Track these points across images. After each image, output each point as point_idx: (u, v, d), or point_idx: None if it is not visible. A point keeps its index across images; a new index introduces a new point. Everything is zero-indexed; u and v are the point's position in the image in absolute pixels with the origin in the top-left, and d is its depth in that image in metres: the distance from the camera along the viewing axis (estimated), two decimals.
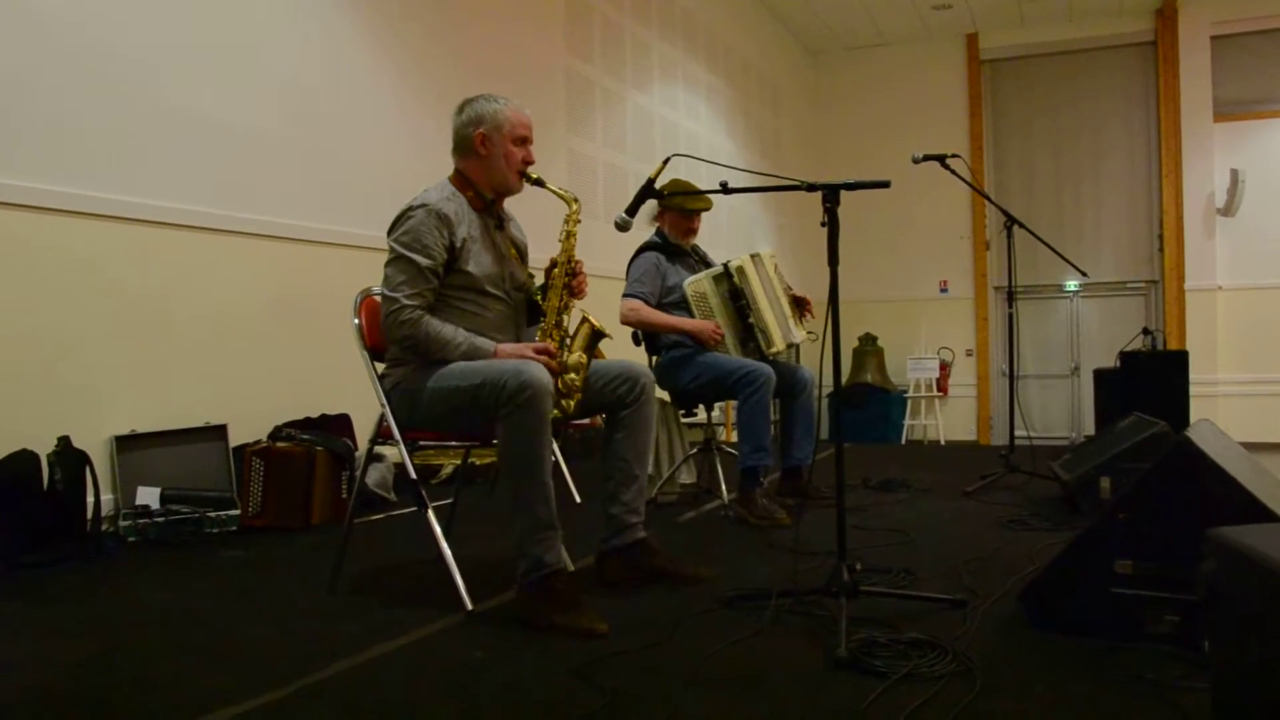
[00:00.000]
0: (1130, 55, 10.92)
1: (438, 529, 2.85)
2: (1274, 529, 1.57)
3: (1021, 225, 5.07)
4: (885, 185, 2.73)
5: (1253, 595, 1.47)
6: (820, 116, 11.92)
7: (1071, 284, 11.01)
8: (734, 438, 4.45)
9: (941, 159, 4.53)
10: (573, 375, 2.90)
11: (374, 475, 4.51)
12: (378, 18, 5.17)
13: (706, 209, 4.58)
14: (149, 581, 3.20)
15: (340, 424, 4.66)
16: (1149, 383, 5.87)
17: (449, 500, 3.61)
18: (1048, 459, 4.90)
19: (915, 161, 4.52)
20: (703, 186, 4.40)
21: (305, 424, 4.47)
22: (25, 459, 3.41)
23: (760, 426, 4.21)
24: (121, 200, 3.89)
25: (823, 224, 2.70)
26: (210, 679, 2.25)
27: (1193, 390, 6.07)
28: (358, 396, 4.31)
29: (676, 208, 4.48)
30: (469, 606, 2.73)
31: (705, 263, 4.68)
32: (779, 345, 4.34)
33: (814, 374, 4.44)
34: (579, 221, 3.04)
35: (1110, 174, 11.01)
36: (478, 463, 5.02)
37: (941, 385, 11.17)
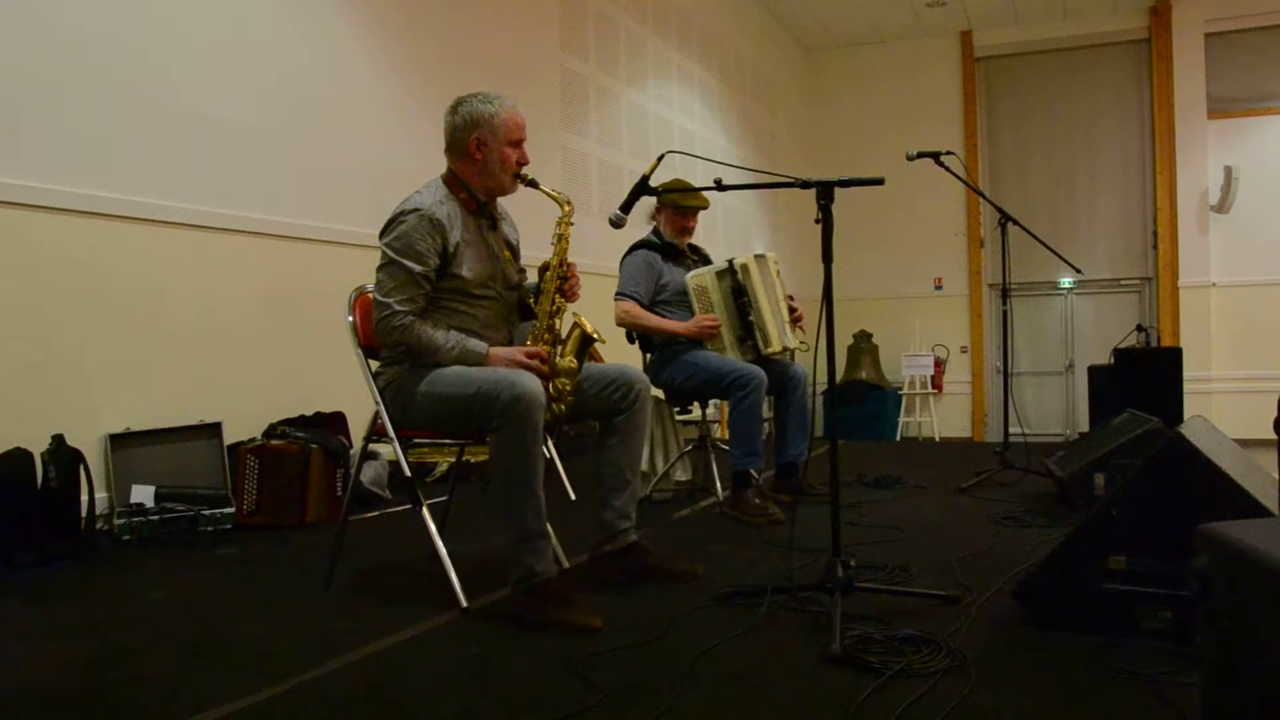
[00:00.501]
0: (1124, 52, 10.93)
1: (432, 526, 2.85)
2: (1266, 524, 1.58)
3: (1016, 222, 5.08)
4: (879, 183, 2.73)
5: (1245, 590, 1.47)
6: (815, 113, 11.92)
7: (1065, 281, 11.02)
8: (728, 436, 4.45)
9: (936, 156, 4.54)
10: (564, 380, 2.90)
11: (368, 473, 4.50)
12: (372, 14, 5.16)
13: (703, 207, 4.57)
14: (144, 580, 3.20)
15: (335, 422, 4.66)
16: (1143, 379, 5.88)
17: (444, 498, 3.61)
18: (1042, 455, 4.91)
19: (910, 159, 4.53)
20: (697, 184, 4.38)
21: (300, 422, 4.46)
22: (19, 457, 3.40)
23: (752, 429, 4.21)
24: (116, 198, 3.88)
25: (817, 221, 2.71)
26: (205, 676, 2.25)
27: (1186, 387, 6.09)
28: (352, 394, 4.30)
29: (671, 204, 4.48)
30: (464, 604, 2.73)
31: (705, 261, 4.68)
32: (776, 346, 4.35)
33: (807, 370, 4.45)
34: (571, 224, 3.03)
35: (1104, 171, 11.02)
36: (472, 460, 5.01)
37: (936, 382, 11.18)
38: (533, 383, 2.63)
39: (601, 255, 5.93)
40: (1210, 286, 10.36)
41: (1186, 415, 5.04)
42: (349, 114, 5.04)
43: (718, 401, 4.84)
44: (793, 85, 11.49)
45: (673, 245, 4.56)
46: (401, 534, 3.89)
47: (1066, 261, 5.43)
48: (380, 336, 2.85)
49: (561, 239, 3.00)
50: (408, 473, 2.90)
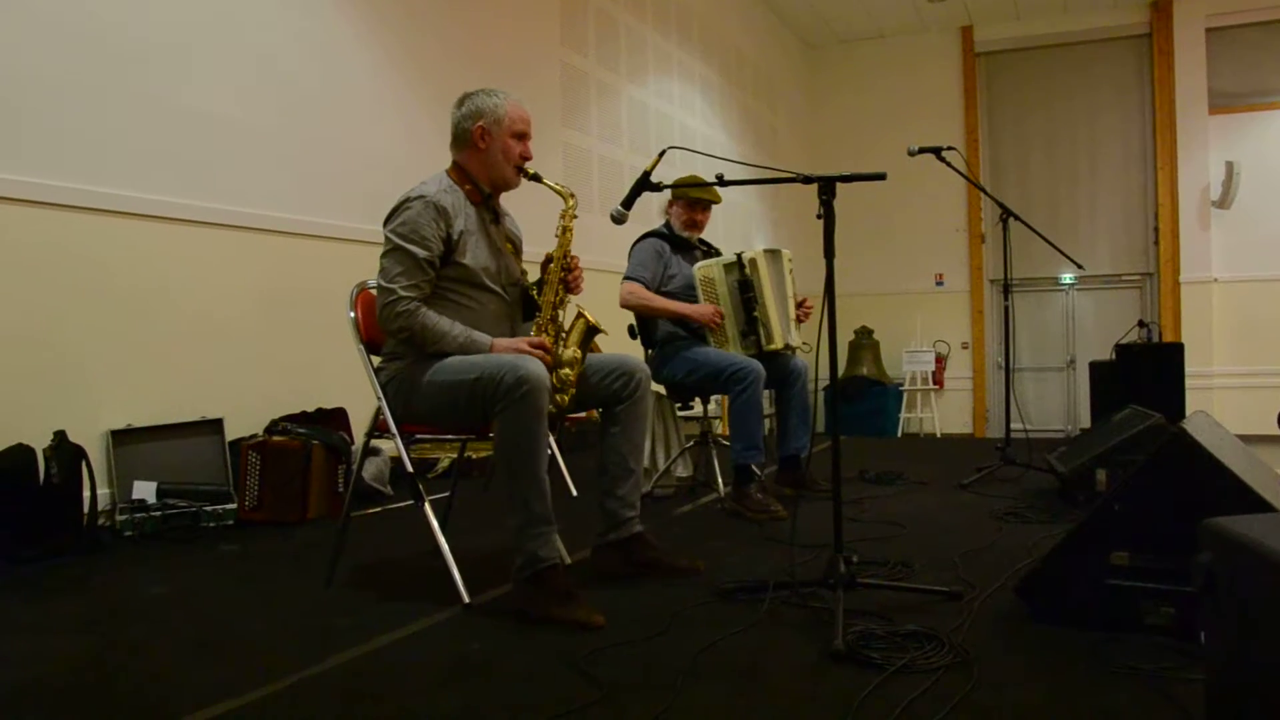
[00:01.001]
0: (1125, 48, 10.92)
1: (434, 522, 2.85)
2: (1271, 519, 1.58)
3: (1017, 218, 5.07)
4: (881, 178, 2.73)
5: (1249, 585, 1.47)
6: (815, 109, 11.91)
7: (1067, 277, 11.01)
8: (729, 432, 4.46)
9: (937, 151, 4.52)
10: (567, 370, 2.91)
11: (370, 469, 4.51)
12: (372, 10, 5.16)
13: (715, 201, 4.58)
14: (145, 576, 3.20)
15: (336, 418, 4.66)
16: (1145, 375, 5.89)
17: (445, 494, 3.61)
18: (1044, 451, 4.91)
19: (911, 154, 4.52)
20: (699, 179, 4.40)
21: (301, 418, 4.47)
22: (21, 453, 3.40)
23: (752, 424, 4.21)
24: (117, 194, 3.88)
25: (818, 216, 2.70)
26: (207, 672, 2.25)
27: (1188, 382, 6.09)
28: (354, 390, 4.31)
29: (682, 196, 4.49)
30: (466, 599, 2.73)
31: (712, 254, 4.67)
32: (778, 343, 4.34)
33: (808, 364, 4.45)
34: (575, 217, 3.04)
35: (1105, 167, 11.01)
36: (474, 456, 5.02)
37: (937, 378, 11.18)
38: (536, 366, 2.63)
39: (602, 251, 5.92)
40: (1212, 282, 10.36)
41: (1188, 411, 5.05)
42: (349, 110, 5.03)
43: (719, 397, 4.83)
44: (793, 81, 11.48)
45: (682, 238, 4.56)
46: (403, 530, 3.90)
47: (1068, 257, 5.43)
48: (384, 323, 2.84)
49: (565, 231, 3.01)
50: (410, 468, 2.89)
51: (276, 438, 4.17)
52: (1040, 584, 2.53)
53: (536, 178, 3.02)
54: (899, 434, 10.88)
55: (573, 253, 3.02)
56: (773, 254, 4.49)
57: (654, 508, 4.27)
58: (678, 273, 4.48)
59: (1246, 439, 3.10)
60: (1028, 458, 4.99)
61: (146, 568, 3.31)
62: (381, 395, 2.91)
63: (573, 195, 3.04)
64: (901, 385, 11.13)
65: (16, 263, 3.58)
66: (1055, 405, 11.17)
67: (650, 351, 4.56)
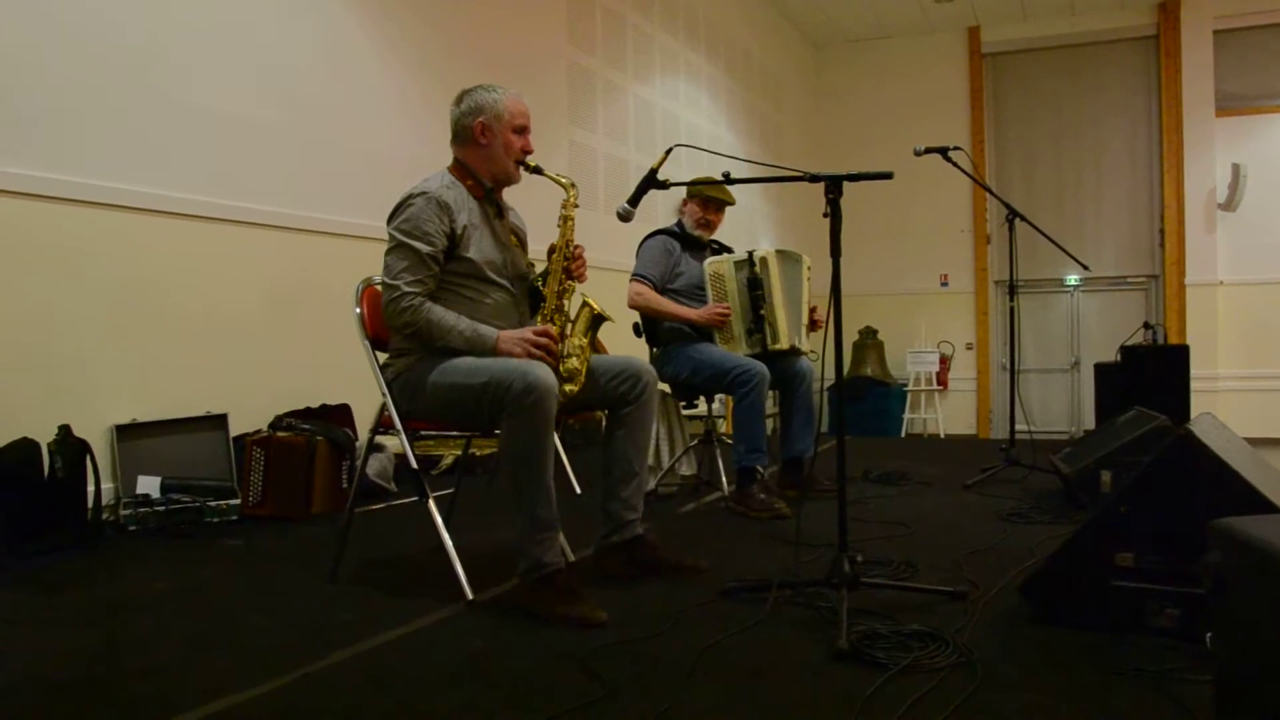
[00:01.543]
0: (1132, 49, 10.89)
1: (438, 518, 2.85)
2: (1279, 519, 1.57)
3: (1023, 219, 5.06)
4: (888, 176, 2.73)
5: (1259, 585, 1.47)
6: (822, 109, 11.90)
7: (1072, 278, 10.99)
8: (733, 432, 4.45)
9: (944, 152, 4.51)
10: (574, 360, 2.91)
11: (374, 465, 4.51)
12: (378, 7, 5.16)
13: (729, 202, 4.57)
14: (149, 570, 3.20)
15: (340, 414, 4.66)
16: (1150, 377, 5.88)
17: (449, 490, 3.61)
18: (1048, 453, 4.90)
19: (917, 154, 4.50)
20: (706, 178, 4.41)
21: (306, 414, 4.47)
22: (26, 448, 3.40)
23: (756, 426, 4.21)
24: (123, 189, 3.88)
25: (825, 215, 2.70)
26: (211, 667, 2.25)
27: (1193, 385, 6.08)
28: (358, 386, 4.31)
29: (697, 194, 4.49)
30: (469, 596, 2.73)
31: (725, 253, 4.66)
32: (784, 344, 4.34)
33: (813, 365, 4.44)
34: (577, 206, 3.04)
35: (1111, 168, 10.99)
36: (478, 453, 5.02)
37: (941, 379, 11.16)
38: (545, 373, 2.63)
39: (608, 249, 5.92)
40: (1218, 284, 10.33)
41: (1193, 413, 5.03)
42: (355, 107, 5.03)
43: (723, 396, 4.83)
44: (800, 81, 11.47)
45: (694, 237, 4.56)
46: (407, 526, 3.89)
47: (1073, 258, 5.42)
48: (389, 320, 2.85)
49: (567, 220, 3.02)
50: (414, 464, 2.90)
51: (281, 433, 4.17)
52: (1045, 584, 2.53)
53: (538, 170, 3.02)
54: (902, 434, 10.87)
55: (576, 242, 3.02)
56: (787, 256, 4.49)
57: (657, 506, 4.27)
58: (685, 271, 4.48)
59: (1252, 442, 3.09)
60: (1032, 459, 4.98)
61: (150, 563, 3.32)
62: (387, 391, 2.91)
63: (574, 185, 3.05)
64: (905, 386, 11.12)
65: (23, 257, 3.58)
66: (1060, 407, 11.16)
67: (655, 350, 4.56)
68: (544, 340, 2.81)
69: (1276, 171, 10.15)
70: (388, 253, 2.87)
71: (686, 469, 4.83)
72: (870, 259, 10.87)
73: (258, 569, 3.27)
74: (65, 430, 3.53)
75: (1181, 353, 6.19)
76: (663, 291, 4.44)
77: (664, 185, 2.96)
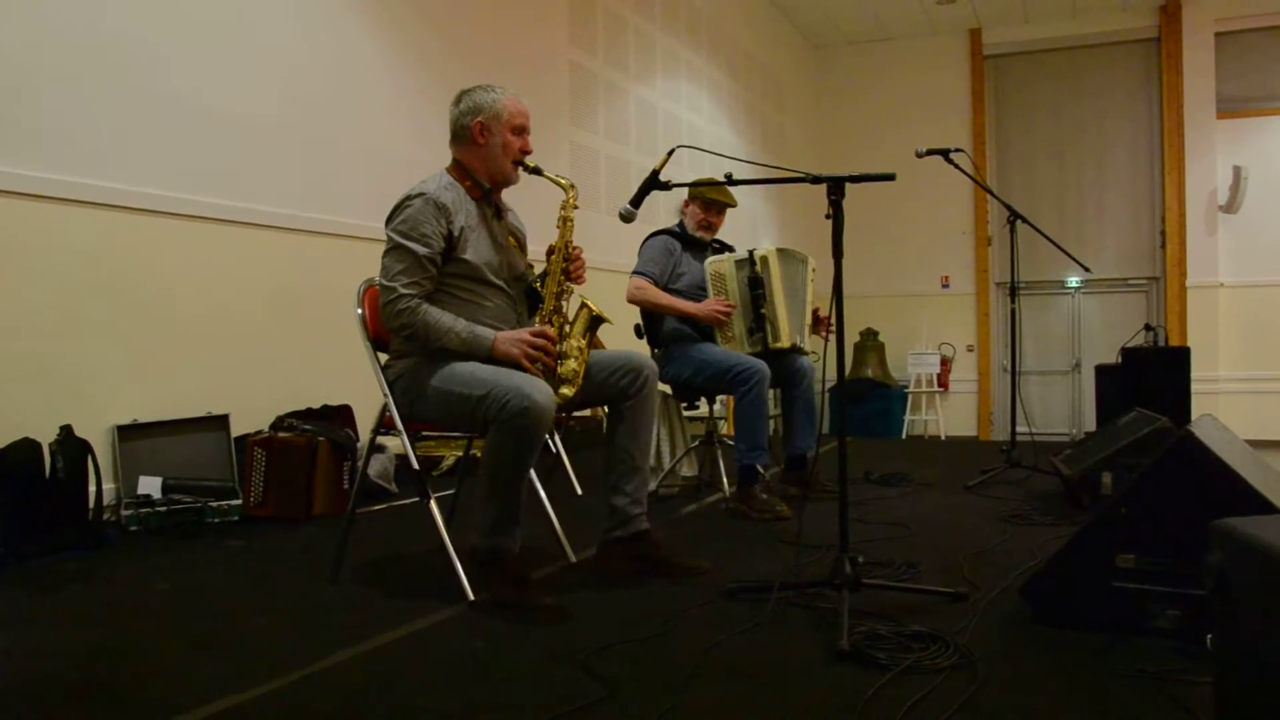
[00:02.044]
0: (1133, 51, 10.90)
1: (439, 519, 2.85)
2: None
3: (1025, 220, 5.06)
4: (891, 178, 2.73)
5: (1260, 587, 1.47)
6: (823, 111, 11.90)
7: (1073, 280, 10.99)
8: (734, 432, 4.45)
9: (945, 153, 4.52)
10: (572, 361, 2.91)
11: (375, 466, 4.51)
12: (381, 9, 5.16)
13: (730, 204, 4.58)
14: (151, 571, 3.20)
15: (342, 414, 4.66)
16: (1151, 379, 5.87)
17: (450, 491, 3.61)
18: (1049, 454, 4.90)
19: (919, 155, 4.51)
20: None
21: (307, 414, 4.47)
22: (27, 448, 3.41)
23: (757, 424, 4.20)
24: (126, 190, 3.88)
25: (827, 216, 2.70)
26: (212, 668, 2.25)
27: (1194, 387, 6.08)
28: (359, 387, 4.32)
29: (699, 196, 4.49)
30: (470, 597, 2.74)
31: (727, 252, 4.66)
32: (785, 342, 4.34)
33: (814, 363, 4.45)
34: (576, 207, 3.05)
35: (1113, 170, 10.99)
36: (479, 455, 5.01)
37: (942, 380, 11.16)
38: (544, 395, 2.64)
39: (609, 250, 5.92)
40: (1219, 286, 10.33)
41: (1194, 415, 5.03)
42: (358, 109, 5.04)
43: (724, 397, 4.83)
44: (801, 82, 11.47)
45: (695, 238, 4.56)
46: (408, 527, 3.90)
47: (1075, 260, 5.42)
48: (386, 321, 2.86)
49: (566, 221, 3.02)
50: (416, 465, 2.90)
51: (282, 434, 4.17)
52: (1046, 586, 2.53)
53: (537, 171, 3.03)
54: (903, 436, 10.87)
55: (574, 243, 3.02)
56: (789, 255, 4.48)
57: (659, 507, 4.27)
58: (687, 271, 4.48)
59: (1252, 444, 3.09)
60: (1033, 460, 4.98)
61: (151, 563, 3.32)
62: (388, 392, 2.91)
63: (573, 186, 3.06)
64: (906, 387, 11.11)
65: (25, 257, 3.59)
66: (1060, 408, 11.16)
67: (656, 350, 4.56)
68: (541, 341, 2.81)
69: (1278, 173, 10.15)
70: (385, 254, 2.87)
71: (688, 470, 4.83)
72: (871, 260, 10.87)
73: (259, 569, 3.27)
74: (67, 430, 3.53)
75: (1182, 354, 6.19)
76: (663, 291, 4.45)
77: (666, 186, 2.97)
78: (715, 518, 4.16)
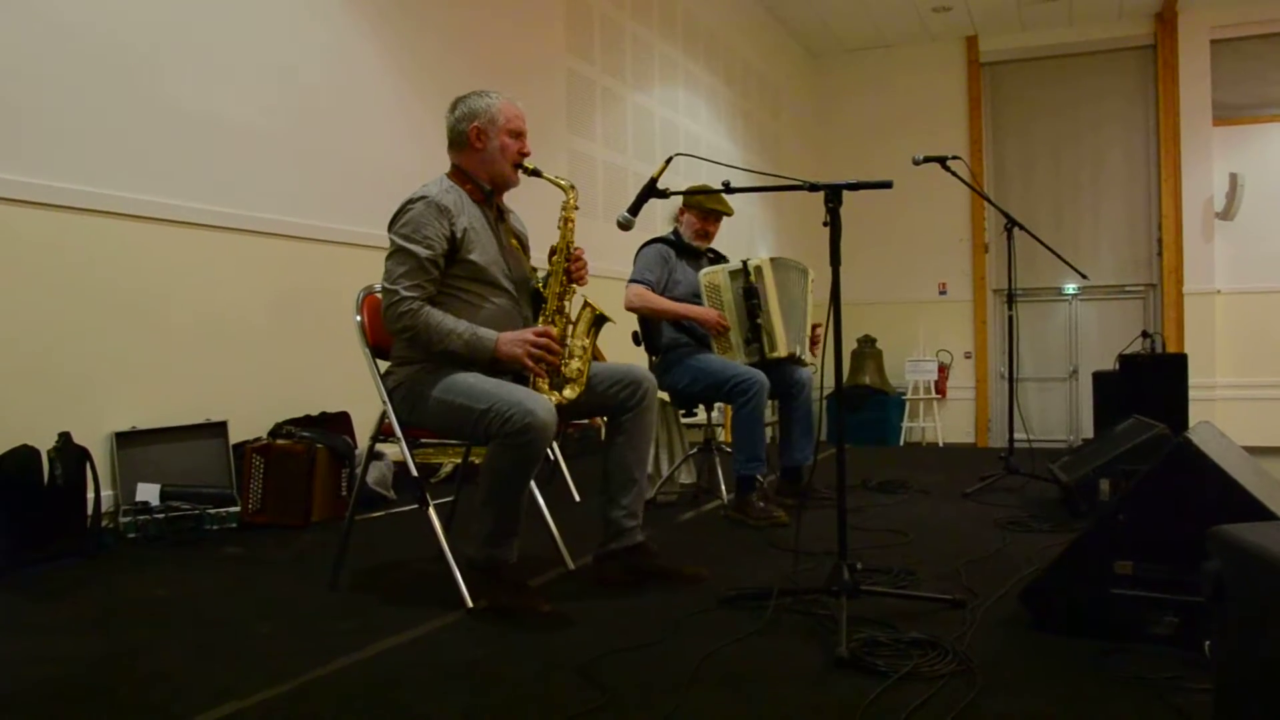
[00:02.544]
0: (1130, 59, 10.92)
1: (438, 526, 2.85)
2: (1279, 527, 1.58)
3: (1022, 227, 5.07)
4: (888, 186, 2.74)
5: (1258, 593, 1.47)
6: (820, 118, 11.92)
7: (1070, 287, 11.01)
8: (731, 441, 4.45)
9: (942, 161, 4.53)
10: (576, 361, 2.91)
11: (373, 473, 4.50)
12: (379, 14, 5.17)
13: (727, 213, 4.59)
14: (149, 578, 3.20)
15: (340, 421, 4.66)
16: (1148, 386, 5.88)
17: (449, 498, 3.61)
18: (1046, 461, 4.91)
19: (916, 163, 4.51)
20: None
21: (305, 421, 4.47)
22: (25, 455, 3.40)
23: (754, 435, 4.20)
24: (123, 197, 3.89)
25: (825, 224, 2.71)
26: (211, 675, 2.25)
27: (1191, 394, 6.09)
28: (357, 394, 4.32)
29: (696, 205, 4.50)
30: (469, 604, 2.74)
31: (720, 262, 4.66)
32: (781, 351, 4.34)
33: (812, 374, 4.45)
34: (577, 208, 3.05)
35: (1109, 177, 11.01)
36: (477, 462, 5.01)
37: (940, 388, 11.17)
38: (547, 411, 2.64)
39: (607, 257, 5.93)
40: (1215, 293, 10.35)
41: (1191, 422, 5.04)
42: (355, 115, 5.04)
43: (722, 405, 4.84)
44: (798, 90, 11.49)
45: (690, 246, 4.56)
46: (406, 534, 3.90)
47: (1072, 267, 5.43)
48: (389, 324, 2.86)
49: (567, 222, 3.03)
50: (415, 472, 2.90)
51: (280, 441, 4.17)
52: (1044, 592, 2.53)
53: (536, 173, 3.03)
54: (900, 443, 10.87)
55: (576, 244, 3.03)
56: (783, 263, 4.47)
57: (657, 514, 4.27)
58: (683, 279, 4.49)
59: (1250, 450, 3.10)
60: (1030, 467, 4.98)
61: (150, 570, 3.32)
62: (387, 399, 2.91)
63: (573, 187, 3.06)
64: (904, 394, 11.12)
65: (23, 264, 3.59)
66: (1058, 415, 11.16)
67: (654, 359, 4.57)
68: (545, 341, 2.81)
69: (1274, 181, 10.17)
70: (388, 258, 2.88)
71: (686, 477, 4.83)
72: (868, 268, 10.87)
73: (258, 577, 3.27)
74: (65, 437, 3.53)
75: (1179, 361, 6.20)
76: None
77: (664, 194, 2.97)
78: (713, 525, 4.17)
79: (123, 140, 3.91)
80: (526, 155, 3.04)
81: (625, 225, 2.98)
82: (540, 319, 2.98)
